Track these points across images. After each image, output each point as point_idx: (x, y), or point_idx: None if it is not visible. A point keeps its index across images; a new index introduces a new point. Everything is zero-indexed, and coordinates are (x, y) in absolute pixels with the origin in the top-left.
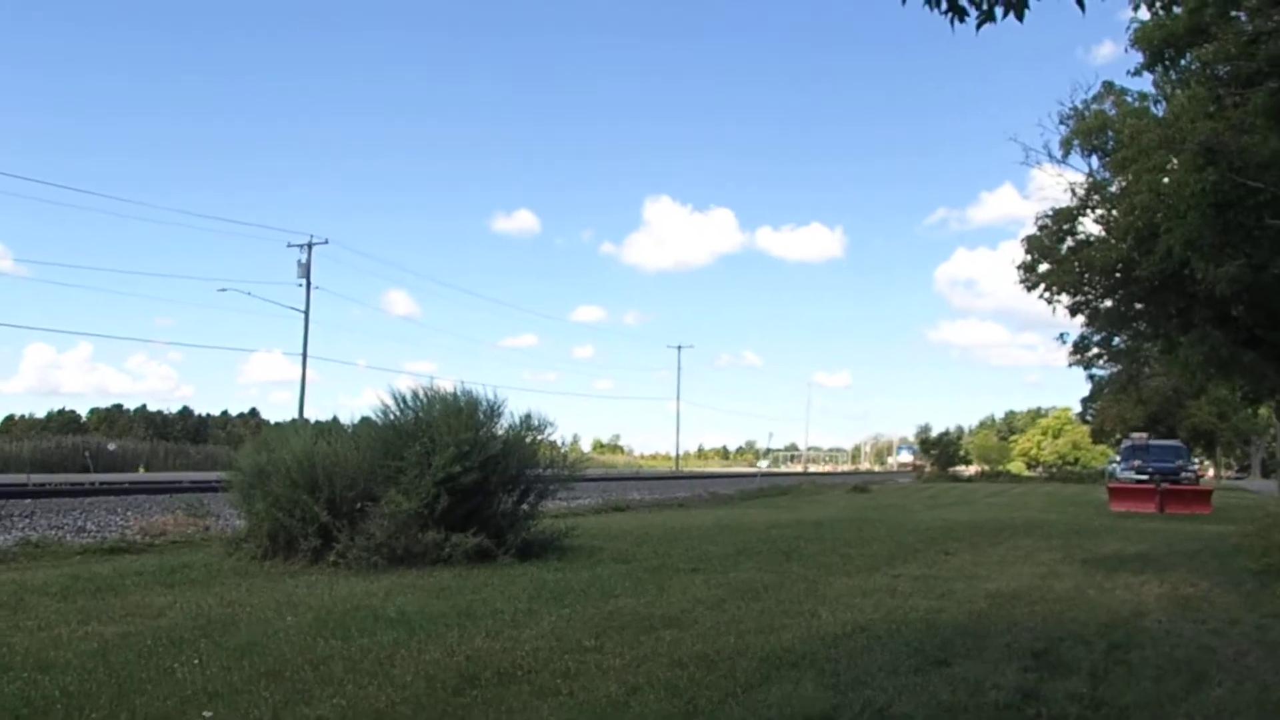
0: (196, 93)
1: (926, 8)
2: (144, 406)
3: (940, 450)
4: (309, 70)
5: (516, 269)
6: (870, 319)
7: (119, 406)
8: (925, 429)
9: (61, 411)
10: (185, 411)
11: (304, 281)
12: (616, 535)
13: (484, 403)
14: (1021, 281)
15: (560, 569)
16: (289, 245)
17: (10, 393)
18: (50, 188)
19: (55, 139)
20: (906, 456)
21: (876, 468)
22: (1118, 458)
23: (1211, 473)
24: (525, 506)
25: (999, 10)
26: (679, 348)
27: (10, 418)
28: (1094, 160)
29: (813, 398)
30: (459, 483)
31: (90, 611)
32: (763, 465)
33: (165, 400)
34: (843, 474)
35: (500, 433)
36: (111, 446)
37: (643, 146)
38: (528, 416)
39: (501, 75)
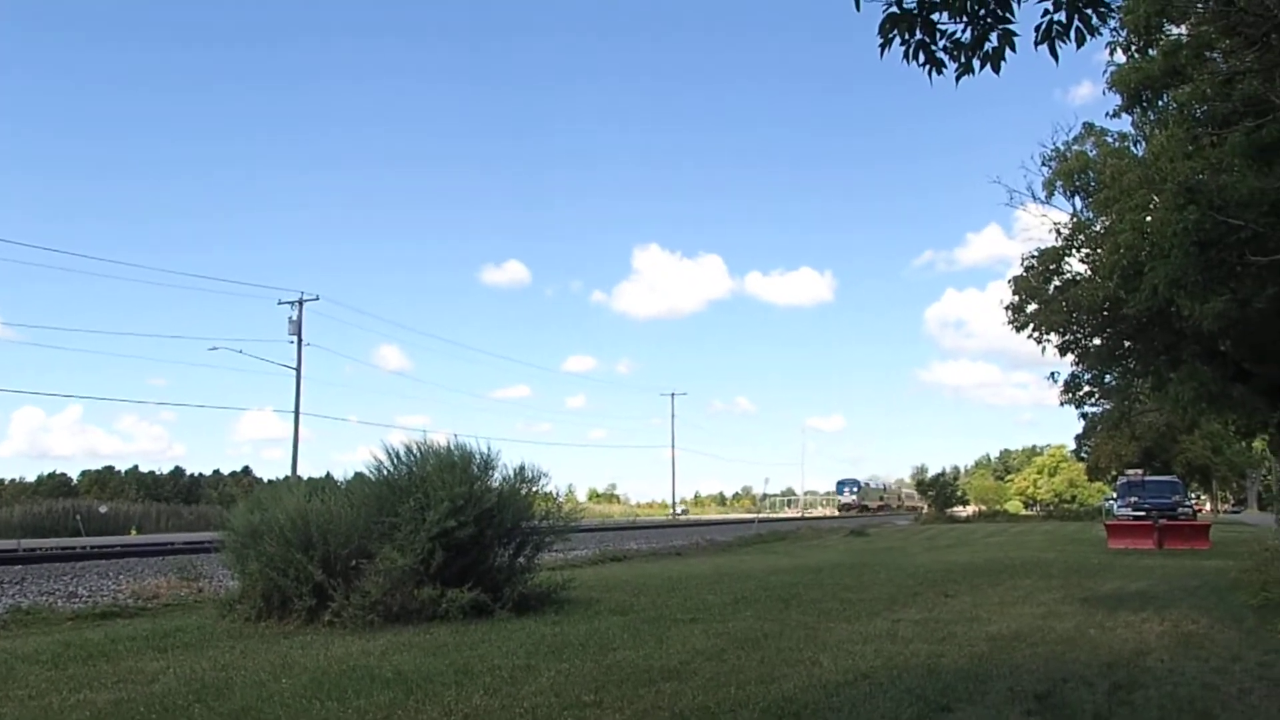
0: (182, 152)
1: (905, 61)
2: (135, 467)
3: (937, 491)
4: (294, 125)
5: (507, 320)
6: (862, 361)
7: (110, 468)
8: (921, 470)
9: (52, 475)
10: (177, 472)
11: (295, 338)
12: (614, 586)
13: (478, 455)
14: (1010, 322)
15: (558, 622)
16: (279, 303)
17: (1, 457)
18: (38, 250)
19: (42, 201)
20: (848, 497)
21: (808, 513)
22: (1114, 495)
23: (1208, 507)
24: (521, 559)
25: (976, 63)
26: (672, 395)
27: (0, 482)
28: (1077, 200)
29: (807, 442)
30: (454, 537)
31: (82, 679)
32: (758, 515)
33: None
34: (833, 518)
35: (495, 485)
36: (103, 509)
37: (630, 194)
38: (521, 468)
39: (487, 126)
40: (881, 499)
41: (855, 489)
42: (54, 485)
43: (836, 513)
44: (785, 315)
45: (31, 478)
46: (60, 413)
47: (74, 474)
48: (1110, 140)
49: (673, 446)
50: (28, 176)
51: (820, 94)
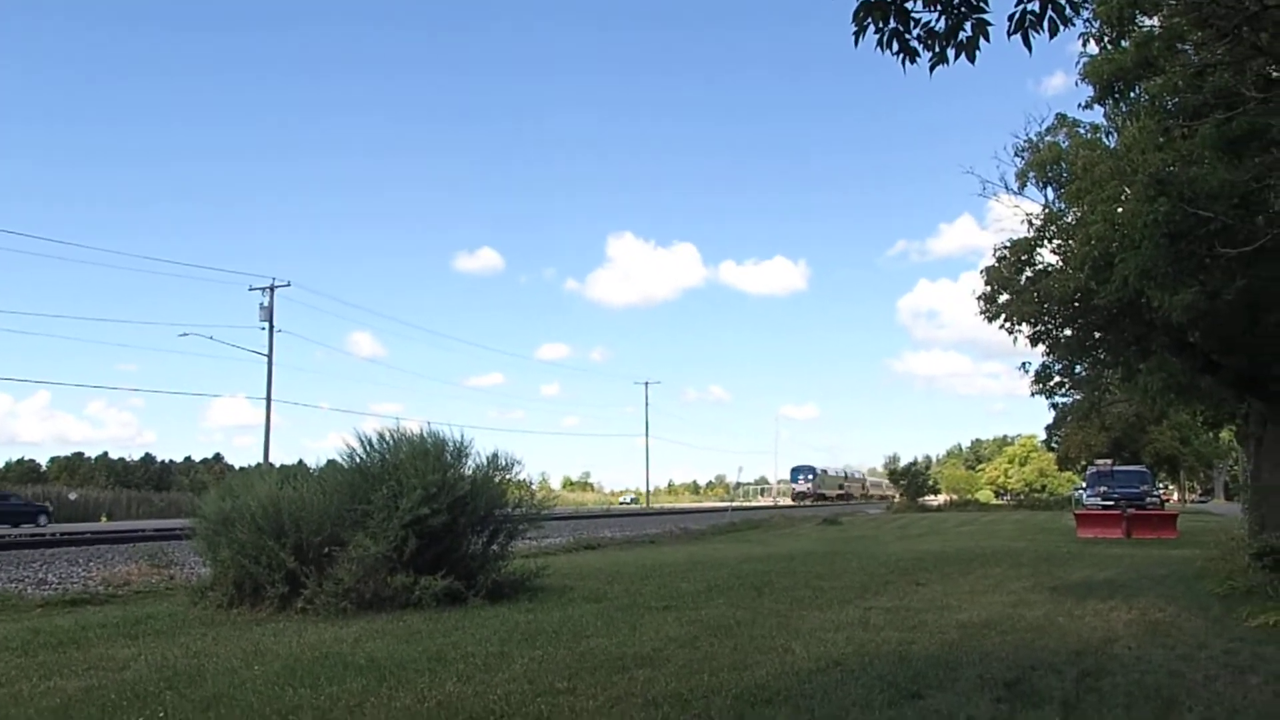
0: (154, 138)
1: (879, 50)
2: (105, 454)
3: (909, 480)
4: (267, 112)
5: (481, 307)
6: (835, 351)
7: (80, 454)
8: (894, 459)
9: (20, 461)
10: (148, 458)
11: (266, 325)
12: (588, 574)
13: (451, 443)
14: (982, 312)
15: (532, 610)
16: (250, 289)
17: None
18: (6, 235)
19: (10, 186)
20: (803, 484)
21: (780, 501)
22: (1084, 484)
23: (1176, 497)
24: (495, 547)
25: (951, 52)
26: (646, 383)
27: None
28: (1049, 191)
29: (781, 430)
30: (427, 525)
31: (52, 666)
32: (730, 503)
33: (127, 447)
34: (795, 507)
35: (468, 473)
36: (73, 496)
37: (604, 183)
38: (495, 456)
39: (460, 114)
40: (841, 487)
41: (810, 476)
42: (23, 472)
43: (790, 502)
44: (759, 304)
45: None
46: (28, 398)
47: (43, 460)
48: (1083, 131)
49: (646, 435)
50: None
51: (793, 83)
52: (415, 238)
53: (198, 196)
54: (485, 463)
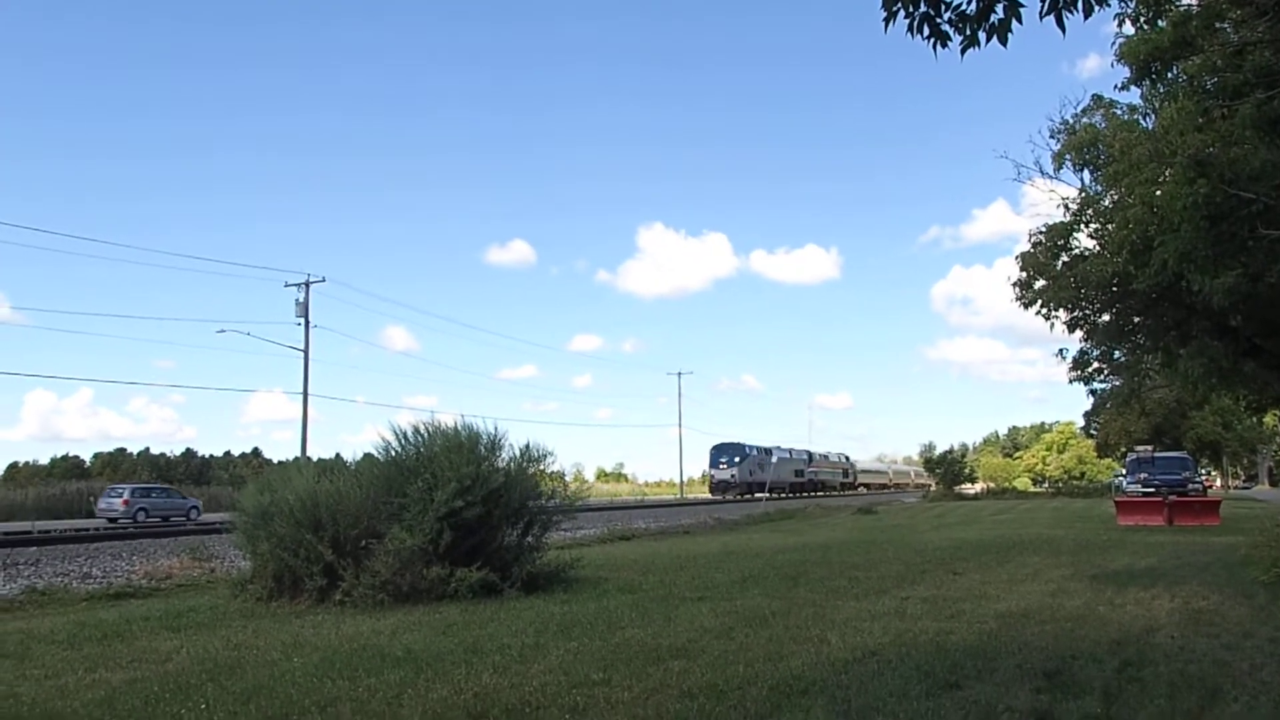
0: (190, 134)
1: (909, 35)
2: (147, 449)
3: (945, 469)
4: (300, 107)
5: (513, 300)
6: (869, 339)
7: (122, 450)
8: (929, 447)
9: (65, 457)
10: (188, 453)
11: (302, 320)
12: (622, 565)
13: (485, 436)
14: (1018, 299)
15: (566, 601)
16: (286, 285)
17: (13, 440)
18: (46, 235)
19: (49, 183)
20: (724, 471)
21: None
22: (1124, 471)
23: (1219, 483)
24: (529, 539)
25: (982, 35)
26: (679, 374)
27: (14, 465)
28: (1086, 174)
29: (814, 419)
30: (462, 517)
31: (97, 659)
32: (765, 493)
33: (168, 442)
34: (834, 495)
35: (502, 465)
36: None
37: (634, 174)
38: (528, 448)
39: (490, 105)
40: (801, 474)
41: (739, 458)
42: (67, 468)
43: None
44: (791, 293)
45: (45, 460)
46: (71, 396)
47: (86, 456)
48: (1119, 113)
49: (680, 425)
50: (35, 160)
51: (825, 71)
52: (447, 231)
53: (233, 193)
54: (519, 455)
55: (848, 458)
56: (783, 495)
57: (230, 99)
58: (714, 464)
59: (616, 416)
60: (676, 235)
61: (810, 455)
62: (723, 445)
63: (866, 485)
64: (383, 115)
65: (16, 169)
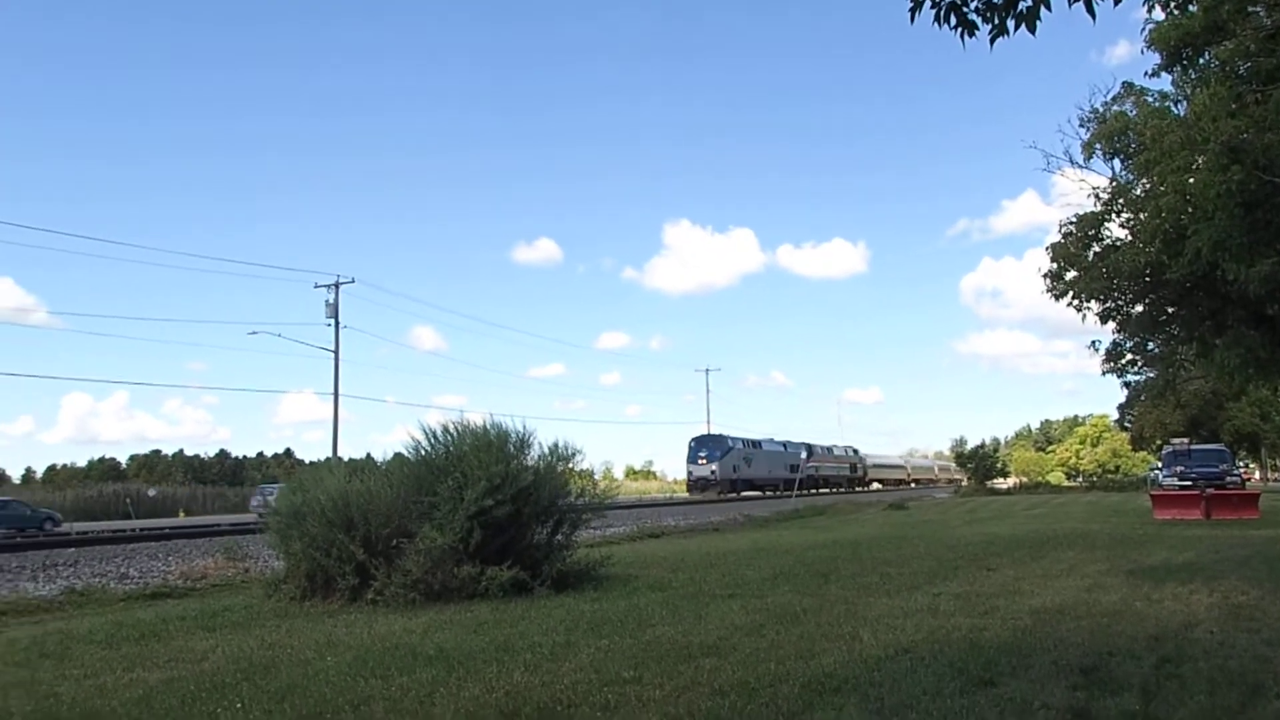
0: (220, 137)
1: (936, 25)
2: (181, 451)
3: (977, 463)
4: (330, 109)
5: (540, 299)
6: (898, 333)
7: (157, 452)
8: (961, 441)
9: (102, 459)
10: (222, 454)
11: (332, 321)
12: (652, 562)
13: (514, 434)
14: (1049, 290)
15: (597, 599)
16: (316, 286)
17: (51, 443)
18: (80, 239)
19: (83, 188)
20: (704, 467)
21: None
22: (1159, 464)
23: (1257, 475)
24: (559, 537)
25: (1010, 24)
26: (706, 371)
27: (52, 467)
28: (1116, 163)
29: (844, 415)
30: (492, 516)
31: (135, 658)
32: (795, 490)
33: (202, 444)
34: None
35: (531, 464)
36: (151, 492)
37: (659, 170)
38: (557, 446)
39: (515, 104)
40: (798, 469)
41: (719, 452)
42: (104, 469)
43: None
44: (819, 288)
45: (82, 462)
46: (107, 398)
47: (122, 458)
48: (1151, 100)
49: (708, 422)
50: (71, 164)
51: (852, 64)
52: (474, 231)
53: (263, 195)
54: (547, 453)
55: (855, 450)
56: (775, 494)
57: (261, 100)
58: (692, 459)
59: (645, 414)
60: (703, 231)
61: (810, 448)
62: (702, 438)
63: (881, 481)
64: (410, 115)
65: (53, 173)
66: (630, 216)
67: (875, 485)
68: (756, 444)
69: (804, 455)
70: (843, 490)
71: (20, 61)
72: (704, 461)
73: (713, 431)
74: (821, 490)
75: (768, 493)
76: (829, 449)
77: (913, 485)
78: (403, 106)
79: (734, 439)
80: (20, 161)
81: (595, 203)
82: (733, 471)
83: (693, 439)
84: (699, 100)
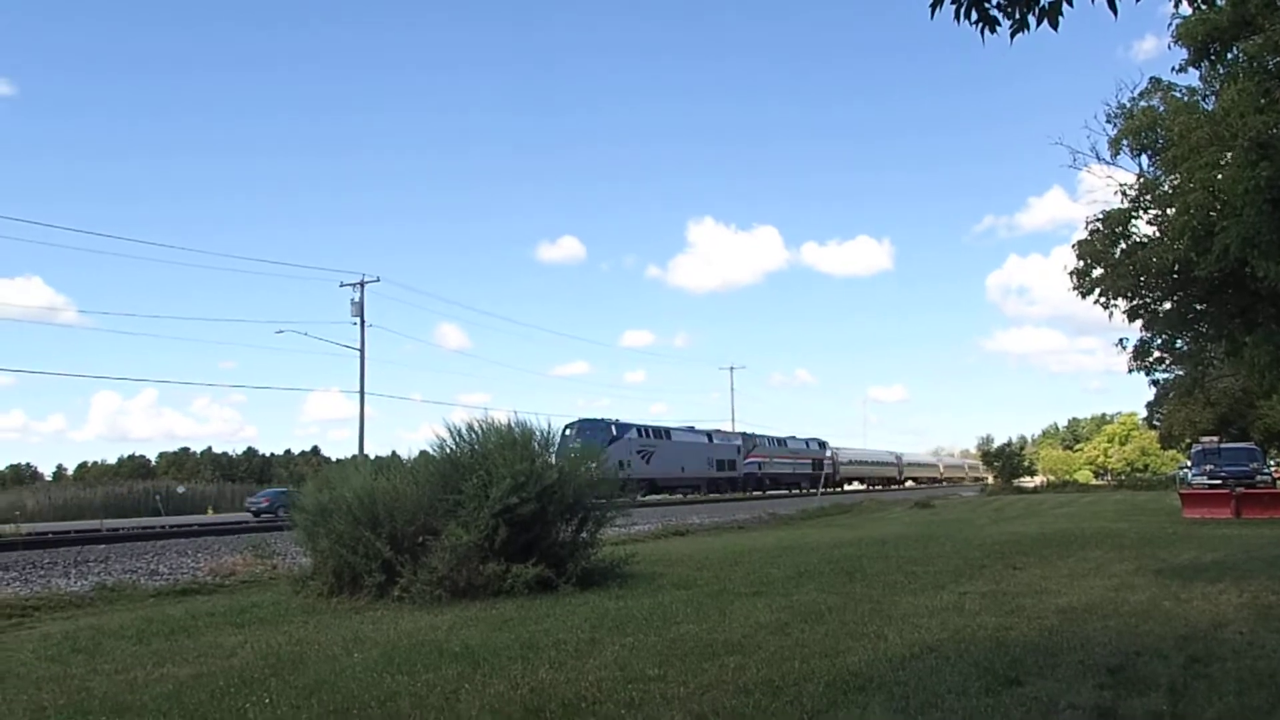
0: (245, 137)
1: (956, 21)
2: (210, 449)
3: (1004, 462)
4: (354, 108)
5: (564, 296)
6: (923, 331)
7: (186, 449)
8: (987, 440)
9: (132, 457)
10: (250, 452)
11: (358, 320)
12: (676, 560)
13: (538, 432)
14: (1075, 288)
15: (621, 597)
16: (341, 285)
17: (82, 440)
18: (109, 239)
19: (109, 185)
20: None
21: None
22: (1189, 463)
23: None
24: (584, 535)
25: (1032, 19)
26: (731, 369)
27: (83, 465)
28: (1144, 159)
29: (869, 413)
30: (517, 513)
31: (165, 653)
32: (820, 488)
33: (230, 441)
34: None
35: (555, 462)
36: (181, 489)
37: (683, 168)
38: (582, 444)
39: (537, 102)
40: (730, 465)
41: (604, 443)
42: (134, 467)
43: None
44: (843, 285)
45: (113, 459)
46: (137, 396)
47: (152, 455)
48: (1178, 95)
49: (733, 420)
50: (95, 162)
51: (873, 61)
52: (498, 229)
53: (288, 194)
54: (572, 451)
55: (821, 444)
56: (693, 496)
57: (288, 101)
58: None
59: (670, 412)
60: (726, 229)
61: (753, 439)
62: (583, 423)
63: (863, 480)
64: (435, 115)
65: (83, 173)
66: (653, 214)
67: (855, 483)
68: (663, 433)
69: (740, 449)
70: (800, 491)
71: (49, 62)
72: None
73: (596, 417)
74: (760, 493)
75: (683, 496)
76: (782, 441)
77: (910, 486)
78: (428, 106)
79: (628, 425)
80: (49, 161)
81: (618, 201)
82: (621, 469)
83: (568, 425)
84: (722, 98)
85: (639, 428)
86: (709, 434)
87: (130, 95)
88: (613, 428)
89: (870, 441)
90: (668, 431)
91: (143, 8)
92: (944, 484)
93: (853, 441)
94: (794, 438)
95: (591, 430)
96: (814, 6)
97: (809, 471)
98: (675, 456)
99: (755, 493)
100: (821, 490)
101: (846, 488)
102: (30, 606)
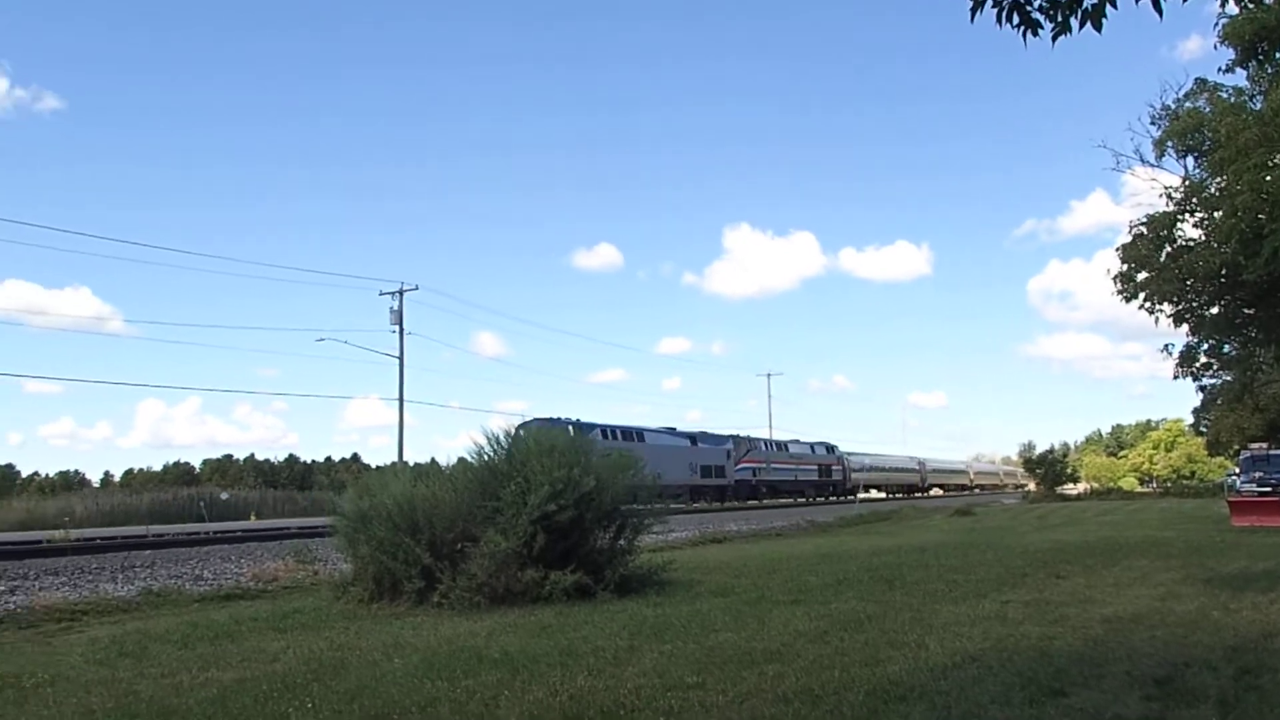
0: (284, 145)
1: (998, 24)
2: (252, 455)
3: (1046, 469)
4: (391, 115)
5: (601, 303)
6: (963, 336)
7: (229, 456)
8: (1029, 447)
9: (177, 464)
10: (291, 459)
11: (397, 328)
12: (714, 568)
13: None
14: (1119, 292)
15: (659, 604)
16: (381, 293)
17: (128, 447)
18: (152, 249)
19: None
20: None
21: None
22: (1237, 470)
23: None
24: (622, 542)
25: (1074, 21)
26: (768, 375)
27: (129, 472)
28: (1189, 161)
29: (908, 419)
30: (555, 520)
31: (209, 658)
32: (859, 495)
33: (272, 448)
34: (934, 497)
35: (592, 469)
36: (224, 496)
37: (719, 174)
38: (619, 451)
39: (573, 109)
40: (723, 471)
41: None
42: (178, 473)
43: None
44: (882, 291)
45: (157, 466)
46: (180, 404)
47: (196, 462)
48: (1225, 96)
49: (770, 427)
50: (140, 170)
51: (911, 65)
52: (534, 237)
53: (327, 202)
54: (610, 458)
55: (830, 448)
56: (675, 506)
57: (326, 109)
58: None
59: (706, 419)
60: (763, 235)
61: (747, 443)
62: (537, 422)
63: (880, 488)
64: (471, 121)
65: (128, 182)
66: (690, 221)
67: (873, 492)
68: (636, 434)
69: (728, 452)
70: (806, 502)
71: (93, 71)
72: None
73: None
74: (770, 503)
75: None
76: (783, 445)
77: (975, 492)
78: (464, 114)
79: (592, 425)
80: (96, 172)
81: (655, 208)
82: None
83: (520, 424)
84: (758, 103)
85: (606, 428)
86: (692, 436)
87: (174, 103)
88: (570, 429)
89: (910, 448)
90: (640, 433)
91: (182, 14)
92: (975, 491)
93: (894, 450)
94: (797, 441)
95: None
96: (852, 11)
97: (814, 479)
98: (650, 462)
99: (751, 502)
100: (832, 499)
101: (861, 496)
102: (79, 611)
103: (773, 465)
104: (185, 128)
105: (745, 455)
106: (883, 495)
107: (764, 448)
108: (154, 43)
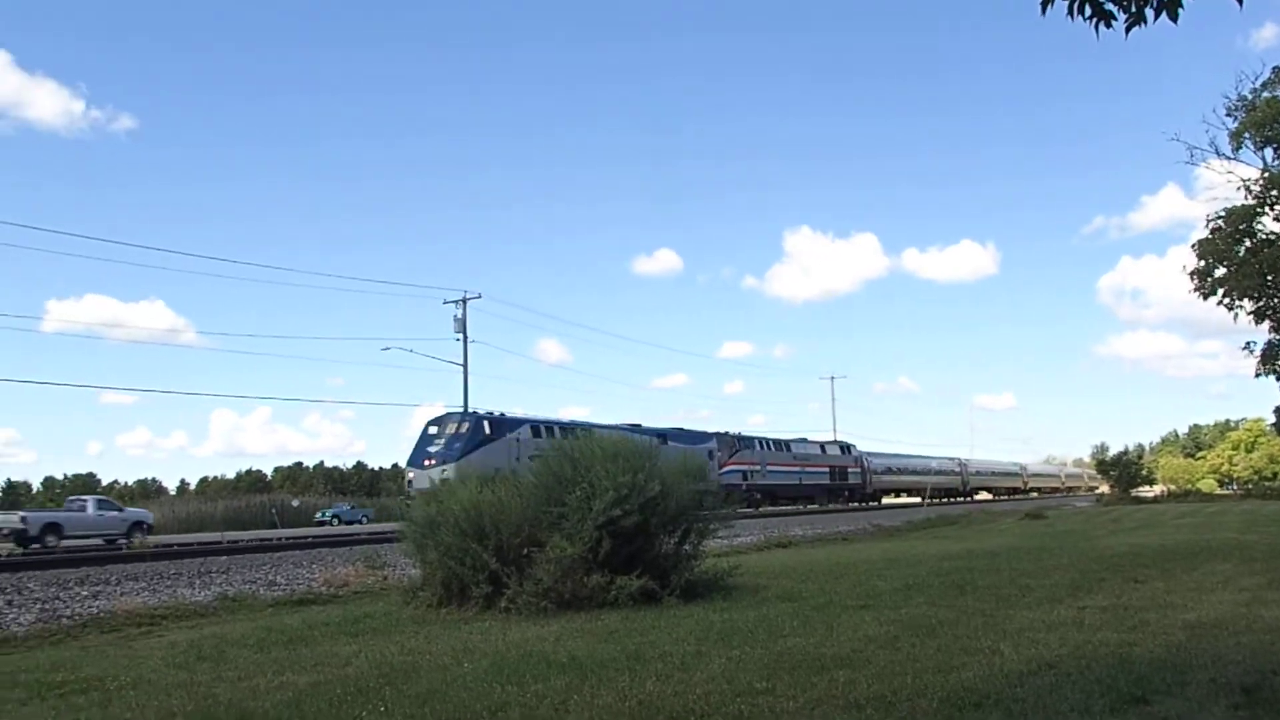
0: (351, 159)
1: (1069, 17)
2: (322, 463)
3: (1120, 470)
4: (454, 128)
5: (662, 309)
6: (1031, 336)
7: (299, 464)
8: (1102, 448)
9: (249, 472)
10: (359, 466)
11: (461, 336)
12: (780, 572)
13: (640, 445)
14: (1196, 289)
15: (726, 609)
16: (445, 302)
17: (202, 456)
18: (223, 263)
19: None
20: (434, 470)
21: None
22: None
23: None
24: (687, 547)
25: (1149, 12)
26: (831, 378)
27: (204, 480)
28: (1269, 153)
29: (976, 421)
30: (620, 525)
31: (284, 662)
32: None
33: (340, 456)
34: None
35: (657, 474)
36: (295, 503)
37: (778, 178)
38: (684, 456)
39: (634, 117)
40: (703, 473)
41: (466, 447)
42: (251, 481)
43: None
44: (946, 291)
45: (231, 474)
46: (251, 414)
47: (267, 470)
48: None
49: (834, 430)
50: (211, 185)
51: (974, 68)
52: (595, 243)
53: (393, 214)
54: (674, 463)
55: (846, 448)
56: None
57: (392, 124)
58: (416, 458)
59: (770, 423)
60: (824, 238)
61: (739, 441)
62: (444, 418)
63: (912, 492)
64: (532, 132)
65: (200, 197)
66: (750, 225)
67: (902, 495)
68: (581, 431)
69: (711, 451)
70: (814, 508)
71: (165, 91)
72: (433, 463)
73: (457, 410)
74: (767, 510)
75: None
76: (784, 444)
77: (1033, 495)
78: (527, 127)
79: (519, 421)
80: (169, 188)
81: (714, 212)
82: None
83: (430, 421)
84: (816, 110)
85: (537, 424)
86: (663, 433)
87: (244, 120)
88: (486, 424)
89: (977, 451)
90: (586, 430)
91: (250, 33)
92: (1032, 495)
93: (961, 452)
94: (804, 440)
95: (456, 430)
96: (913, 17)
97: (825, 482)
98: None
99: (745, 509)
100: (850, 505)
101: (886, 501)
102: (158, 615)
103: (769, 467)
104: (255, 144)
105: (734, 456)
106: (917, 500)
107: (759, 447)
108: (223, 62)
